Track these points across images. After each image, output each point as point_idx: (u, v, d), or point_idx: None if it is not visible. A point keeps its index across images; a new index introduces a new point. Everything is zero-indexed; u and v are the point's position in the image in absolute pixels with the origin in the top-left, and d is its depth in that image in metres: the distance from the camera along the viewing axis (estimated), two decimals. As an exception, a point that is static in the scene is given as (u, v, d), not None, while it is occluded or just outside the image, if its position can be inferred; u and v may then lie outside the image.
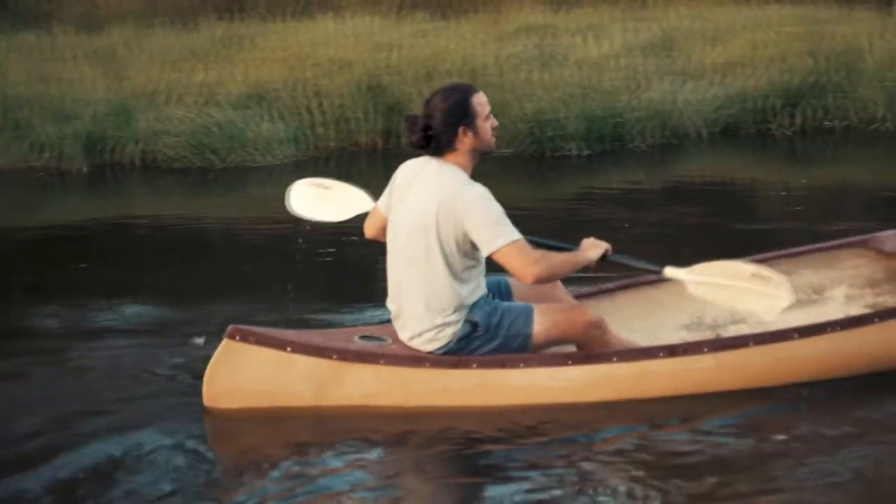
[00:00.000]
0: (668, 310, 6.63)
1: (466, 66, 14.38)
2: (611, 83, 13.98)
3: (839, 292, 7.01)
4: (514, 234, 5.46)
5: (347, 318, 7.06)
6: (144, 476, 5.03)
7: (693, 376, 5.77)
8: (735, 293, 5.54)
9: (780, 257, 6.91)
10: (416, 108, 13.49)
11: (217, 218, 10.68)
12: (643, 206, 10.53)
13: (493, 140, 5.70)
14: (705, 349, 5.78)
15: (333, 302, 7.49)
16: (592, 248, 5.69)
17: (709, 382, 5.78)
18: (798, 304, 6.39)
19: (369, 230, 6.02)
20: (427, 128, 5.57)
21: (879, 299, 6.94)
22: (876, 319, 6.04)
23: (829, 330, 5.94)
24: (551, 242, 5.85)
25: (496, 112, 13.45)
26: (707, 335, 6.46)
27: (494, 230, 5.45)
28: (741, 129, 14.25)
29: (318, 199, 6.58)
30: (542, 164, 12.73)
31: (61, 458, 5.20)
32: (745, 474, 4.96)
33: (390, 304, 5.79)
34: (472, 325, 5.64)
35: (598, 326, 5.74)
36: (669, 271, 5.68)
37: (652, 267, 5.74)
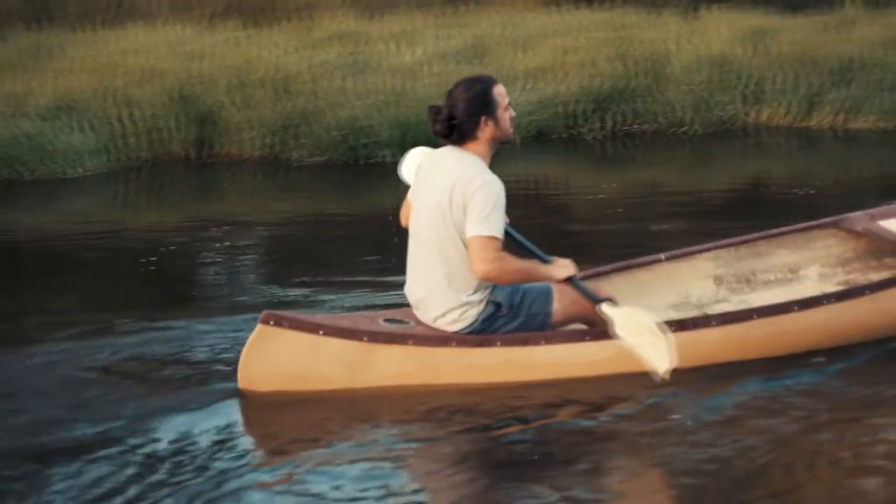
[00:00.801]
0: (656, 291, 6.99)
1: (279, 74, 14.35)
2: (423, 90, 14.04)
3: (813, 271, 7.39)
4: (492, 230, 5.71)
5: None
6: (181, 458, 5.13)
7: (702, 348, 6.07)
8: (644, 341, 5.72)
9: (758, 239, 7.34)
10: (229, 116, 13.56)
11: (27, 230, 10.47)
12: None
13: (511, 129, 5.94)
14: (713, 323, 6.15)
15: (144, 308, 7.44)
16: (562, 268, 5.94)
17: (717, 354, 6.11)
18: (777, 282, 7.28)
19: (404, 219, 6.21)
20: (451, 117, 5.81)
21: (850, 276, 7.33)
22: (867, 292, 6.42)
23: (825, 302, 6.34)
24: (532, 247, 6.07)
25: (309, 120, 13.46)
26: (694, 314, 6.75)
27: (479, 219, 5.71)
28: (552, 134, 14.48)
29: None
30: (355, 171, 12.76)
31: (100, 441, 5.31)
32: (754, 441, 5.22)
33: (409, 291, 6.05)
34: (496, 305, 5.90)
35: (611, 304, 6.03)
36: (606, 308, 5.86)
37: (596, 298, 5.92)
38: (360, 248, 9.22)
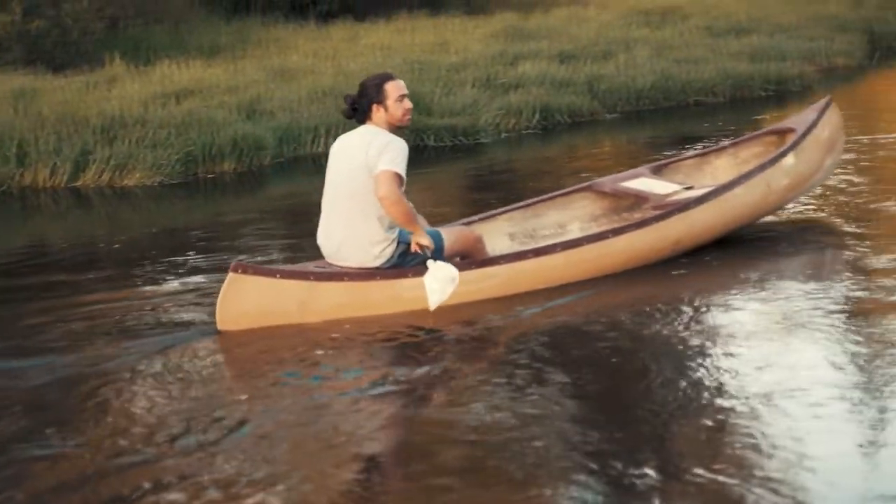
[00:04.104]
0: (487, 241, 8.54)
1: None
2: None
3: (575, 226, 9.48)
4: (401, 170, 7.47)
5: None
6: (170, 391, 6.34)
7: (552, 272, 8.10)
8: (436, 288, 7.52)
9: (535, 203, 9.46)
10: None
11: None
12: None
13: (406, 119, 7.71)
14: (558, 249, 8.16)
15: None
16: (424, 238, 7.63)
17: (561, 276, 8.17)
18: (551, 236, 9.31)
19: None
20: (353, 102, 7.68)
21: (602, 228, 9.12)
22: (652, 222, 8.52)
23: (627, 230, 8.43)
24: (437, 227, 8.11)
25: None
26: None
27: (390, 159, 7.44)
28: None
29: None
30: None
31: (95, 380, 6.56)
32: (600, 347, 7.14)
33: (326, 243, 7.77)
34: (406, 244, 7.72)
35: (481, 241, 8.12)
36: (430, 262, 7.60)
37: (427, 256, 7.66)
38: None
